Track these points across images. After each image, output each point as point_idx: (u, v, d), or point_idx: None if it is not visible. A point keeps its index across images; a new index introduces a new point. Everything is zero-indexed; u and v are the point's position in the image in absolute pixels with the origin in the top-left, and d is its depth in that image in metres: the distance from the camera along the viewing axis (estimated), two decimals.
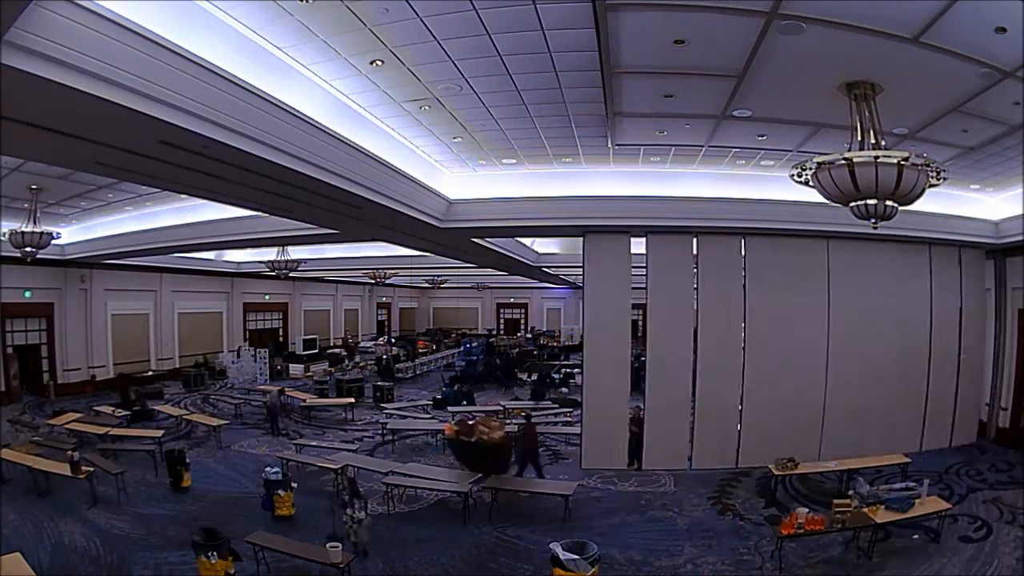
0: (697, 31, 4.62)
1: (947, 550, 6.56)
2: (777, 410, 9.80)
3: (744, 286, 9.89)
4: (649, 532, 7.39)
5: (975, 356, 10.79)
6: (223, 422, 12.17)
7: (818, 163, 5.18)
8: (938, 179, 5.18)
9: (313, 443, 11.08)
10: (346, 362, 22.36)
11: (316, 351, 24.70)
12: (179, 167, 5.55)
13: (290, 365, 21.07)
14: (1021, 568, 6.15)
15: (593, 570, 5.52)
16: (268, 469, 8.19)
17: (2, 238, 11.61)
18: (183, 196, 10.50)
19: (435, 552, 6.80)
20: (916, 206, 5.58)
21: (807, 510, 6.59)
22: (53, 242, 10.91)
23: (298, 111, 5.40)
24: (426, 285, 31.27)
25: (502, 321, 36.03)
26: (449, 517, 7.87)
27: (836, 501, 6.69)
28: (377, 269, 21.29)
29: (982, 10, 4.08)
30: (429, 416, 13.95)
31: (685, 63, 5.20)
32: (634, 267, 9.95)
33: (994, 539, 6.79)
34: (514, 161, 8.76)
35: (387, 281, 25.84)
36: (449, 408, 14.09)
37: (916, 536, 6.85)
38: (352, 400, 15.11)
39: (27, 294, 15.19)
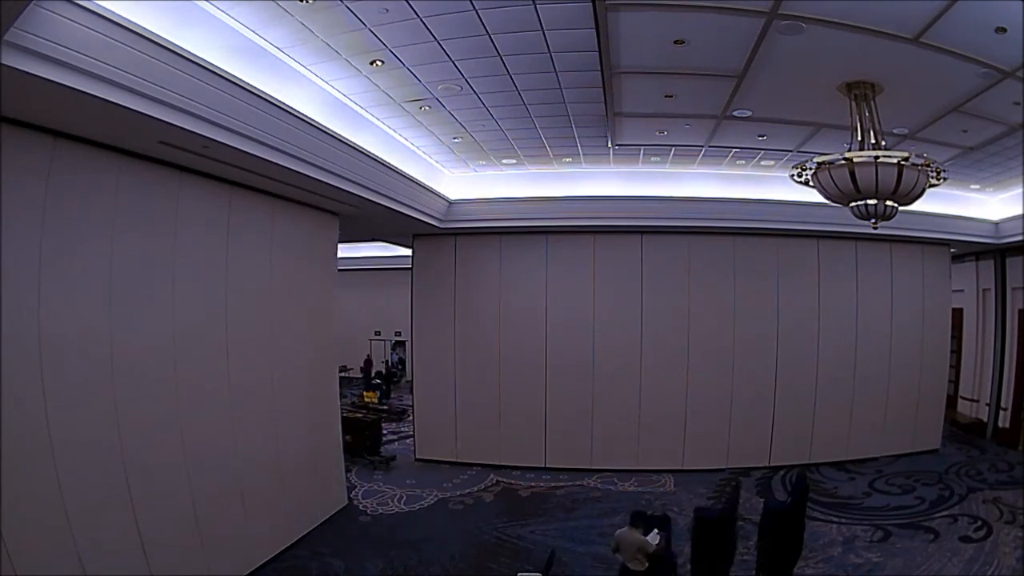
0: (697, 31, 4.62)
1: (947, 550, 6.56)
2: (769, 408, 9.87)
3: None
4: None
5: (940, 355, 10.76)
6: None
7: (818, 163, 5.20)
8: (938, 179, 5.19)
9: None
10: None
11: None
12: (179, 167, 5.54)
13: None
14: (1021, 568, 6.15)
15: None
16: None
17: None
18: None
19: (435, 552, 6.81)
20: (916, 206, 5.59)
21: None
22: None
23: (298, 111, 5.39)
24: None
25: None
26: (449, 517, 7.87)
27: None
28: (376, 270, 21.23)
29: (982, 10, 4.09)
30: None
31: (685, 63, 5.20)
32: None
33: (994, 539, 6.79)
34: (514, 161, 8.76)
35: None
36: None
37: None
38: None
39: None
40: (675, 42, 4.78)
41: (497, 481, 9.26)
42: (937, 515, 7.50)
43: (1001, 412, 10.97)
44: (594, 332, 9.93)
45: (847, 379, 10.04)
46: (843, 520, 7.49)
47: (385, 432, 11.54)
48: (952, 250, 10.99)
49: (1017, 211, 9.45)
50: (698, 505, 8.10)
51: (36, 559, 4.03)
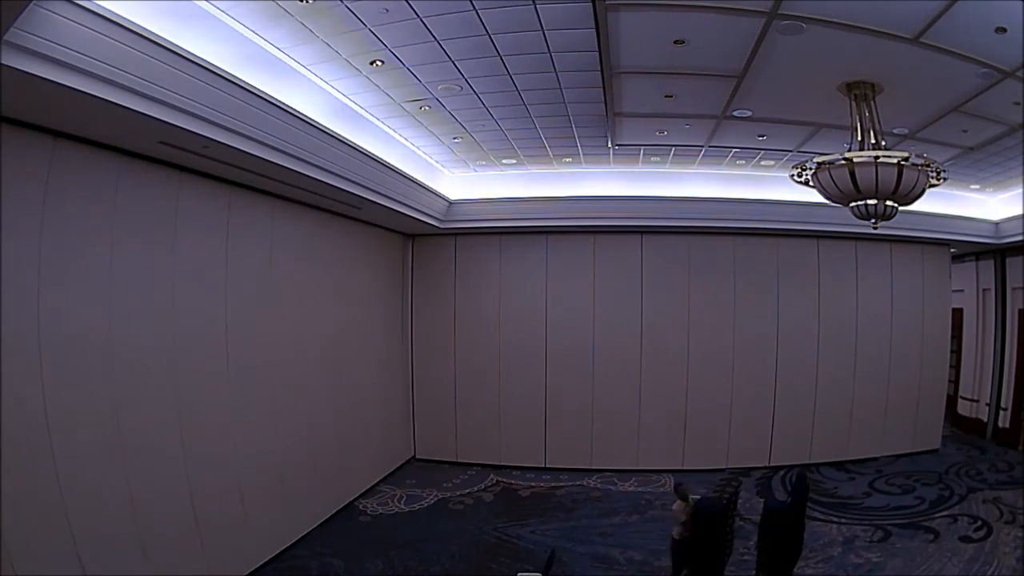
0: (697, 31, 4.62)
1: (947, 550, 6.57)
2: (769, 408, 9.88)
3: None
4: (649, 532, 7.40)
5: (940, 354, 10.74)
6: None
7: (818, 163, 5.20)
8: (938, 179, 5.20)
9: None
10: None
11: None
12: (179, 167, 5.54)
13: None
14: (1021, 568, 6.15)
15: None
16: None
17: None
18: None
19: (435, 552, 6.81)
20: (916, 206, 5.59)
21: None
22: None
23: (298, 112, 5.39)
24: None
25: None
26: (449, 517, 7.88)
27: None
28: None
29: (982, 10, 4.09)
30: None
31: (685, 63, 5.20)
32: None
33: (994, 539, 6.80)
34: (514, 161, 8.76)
35: None
36: None
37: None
38: None
39: None
40: (675, 42, 4.78)
41: (497, 481, 9.27)
42: (937, 515, 7.50)
43: (1001, 412, 10.97)
44: (594, 332, 9.94)
45: (847, 379, 10.05)
46: (843, 520, 7.49)
47: None
48: (952, 250, 10.99)
49: (1017, 211, 9.45)
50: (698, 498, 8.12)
51: (36, 559, 4.03)
